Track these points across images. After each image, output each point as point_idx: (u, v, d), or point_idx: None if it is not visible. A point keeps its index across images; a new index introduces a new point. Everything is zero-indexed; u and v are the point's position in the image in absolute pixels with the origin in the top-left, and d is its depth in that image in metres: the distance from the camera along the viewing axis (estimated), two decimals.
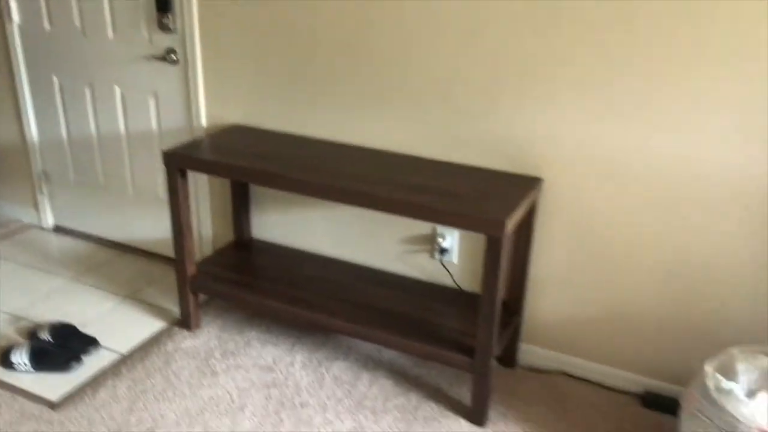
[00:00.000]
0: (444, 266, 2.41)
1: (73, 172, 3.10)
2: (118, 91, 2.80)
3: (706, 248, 1.99)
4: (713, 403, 1.67)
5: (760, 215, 1.89)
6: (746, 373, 1.71)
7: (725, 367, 1.75)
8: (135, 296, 2.72)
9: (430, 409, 2.13)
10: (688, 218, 1.98)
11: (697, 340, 2.10)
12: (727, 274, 1.99)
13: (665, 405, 2.15)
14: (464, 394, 2.21)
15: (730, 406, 1.62)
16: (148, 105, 2.75)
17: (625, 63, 1.91)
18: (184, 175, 2.29)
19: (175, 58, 2.58)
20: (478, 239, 2.32)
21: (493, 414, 2.12)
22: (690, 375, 2.11)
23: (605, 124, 1.99)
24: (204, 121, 2.65)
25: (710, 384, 1.69)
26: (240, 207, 2.66)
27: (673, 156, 1.94)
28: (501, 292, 1.92)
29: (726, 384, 1.66)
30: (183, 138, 2.70)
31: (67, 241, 3.15)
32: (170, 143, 2.74)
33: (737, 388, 1.64)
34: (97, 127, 2.92)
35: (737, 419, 1.61)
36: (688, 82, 1.85)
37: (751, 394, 1.63)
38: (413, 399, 2.18)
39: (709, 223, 1.96)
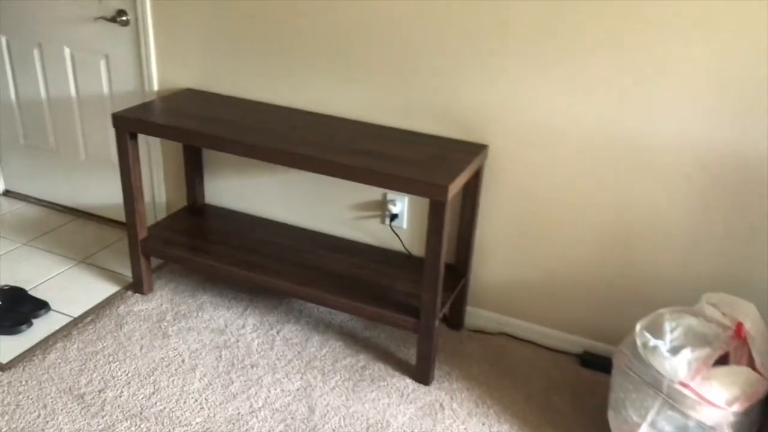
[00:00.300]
0: (394, 231, 2.46)
1: (23, 136, 3.05)
2: (67, 52, 2.76)
3: (642, 214, 2.07)
4: (641, 360, 1.77)
5: (692, 183, 1.98)
6: (672, 331, 1.80)
7: (654, 326, 1.84)
8: (88, 261, 2.72)
9: (378, 369, 2.20)
10: (625, 185, 2.06)
11: (632, 303, 2.20)
12: (661, 239, 2.08)
13: (602, 364, 2.26)
14: (411, 355, 2.28)
15: (655, 362, 1.72)
16: (99, 67, 2.71)
17: (568, 34, 1.95)
18: (134, 138, 2.29)
19: (125, 19, 2.55)
20: (426, 207, 2.37)
21: (438, 373, 2.20)
22: (625, 335, 2.21)
23: (548, 93, 2.04)
24: (156, 85, 2.63)
25: (639, 342, 1.78)
26: (193, 172, 2.66)
27: (612, 124, 2.00)
28: (444, 255, 1.97)
29: (653, 342, 1.75)
30: (135, 101, 2.68)
31: (18, 206, 3.12)
32: (122, 107, 2.72)
33: (662, 345, 1.74)
34: (47, 89, 2.88)
35: (661, 374, 1.71)
36: (628, 53, 1.91)
37: (675, 350, 1.73)
38: (362, 360, 2.24)
39: (645, 189, 2.04)
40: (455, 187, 1.91)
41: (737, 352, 1.73)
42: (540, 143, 2.12)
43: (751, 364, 1.70)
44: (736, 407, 1.63)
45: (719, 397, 1.63)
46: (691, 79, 1.87)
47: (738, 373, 1.66)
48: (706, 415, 1.65)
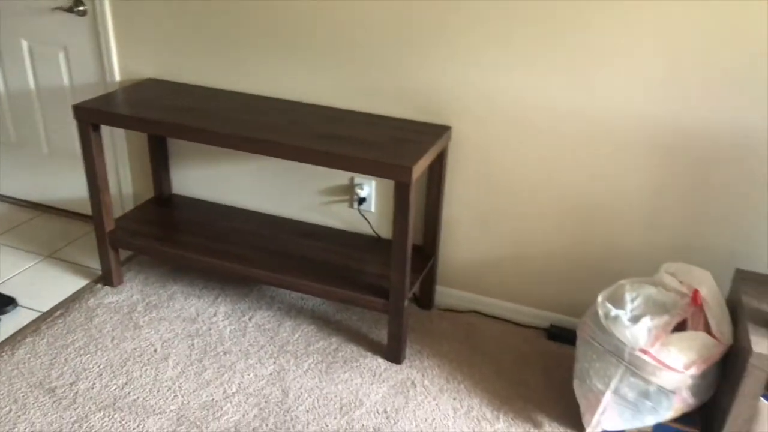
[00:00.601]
0: (362, 215, 2.48)
1: None
2: (25, 44, 2.71)
3: (602, 190, 2.13)
4: (603, 329, 1.82)
5: (650, 159, 2.03)
6: (632, 301, 1.86)
7: (615, 296, 1.90)
8: (55, 256, 2.70)
9: (350, 350, 2.23)
10: (585, 162, 2.11)
11: (595, 276, 2.26)
12: (621, 213, 2.14)
13: (567, 337, 2.32)
14: (383, 336, 2.31)
15: (617, 331, 1.77)
16: (59, 59, 2.68)
17: (528, 16, 1.98)
18: (97, 130, 2.27)
19: (82, 9, 2.52)
20: (393, 189, 2.39)
21: (409, 352, 2.24)
22: (588, 308, 2.27)
23: (509, 73, 2.08)
24: (117, 76, 2.60)
25: (601, 312, 1.84)
26: (159, 163, 2.65)
27: (571, 104, 2.05)
28: (411, 236, 2.01)
29: (614, 312, 1.81)
30: (97, 93, 2.65)
31: None
32: (84, 98, 2.69)
33: (623, 314, 1.80)
34: (6, 83, 2.83)
35: (623, 342, 1.76)
36: (586, 34, 1.95)
37: (635, 319, 1.79)
38: (334, 342, 2.27)
39: (604, 166, 2.09)
40: (419, 169, 1.94)
41: (694, 318, 1.79)
42: (502, 123, 2.16)
43: (707, 329, 1.77)
44: (694, 371, 1.70)
45: (677, 362, 1.70)
46: (646, 59, 1.92)
47: (695, 338, 1.72)
48: (665, 379, 1.72)
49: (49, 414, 1.89)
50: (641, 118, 1.99)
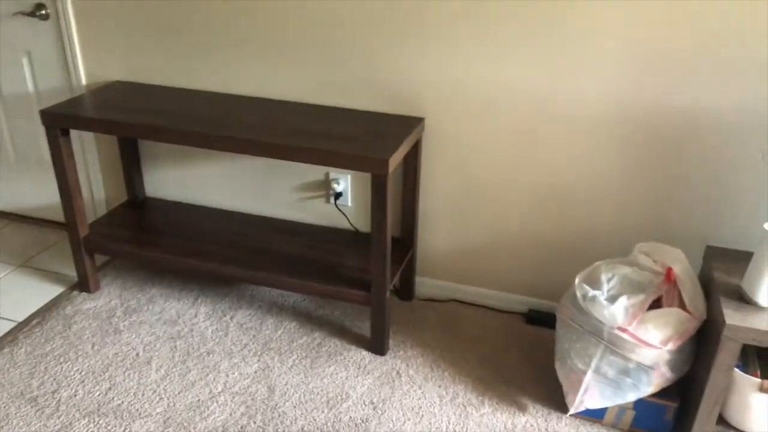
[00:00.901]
0: (339, 209, 2.49)
1: None
2: None
3: (574, 173, 2.17)
4: (581, 310, 1.86)
5: (619, 140, 2.08)
6: (609, 281, 1.90)
7: (592, 278, 1.94)
8: (28, 264, 2.65)
9: (334, 344, 2.24)
10: (556, 146, 2.15)
11: (570, 259, 2.30)
12: (593, 195, 2.18)
13: (546, 320, 2.36)
14: (365, 329, 2.33)
15: (595, 311, 1.81)
16: (22, 64, 2.63)
17: (499, 4, 2.01)
18: (66, 134, 2.24)
19: (45, 13, 2.47)
20: (370, 182, 2.41)
21: (392, 343, 2.26)
22: (566, 291, 2.32)
23: (480, 63, 2.10)
24: (84, 79, 2.57)
25: (579, 294, 1.88)
26: (131, 166, 2.62)
27: (540, 89, 2.08)
28: (390, 227, 2.02)
29: (591, 292, 1.85)
30: (63, 97, 2.61)
31: None
32: (50, 103, 2.63)
33: (600, 295, 1.84)
34: None
35: (601, 322, 1.80)
36: (553, 19, 1.98)
37: (612, 299, 1.83)
38: (317, 337, 2.28)
39: (575, 149, 2.13)
40: (395, 161, 1.95)
41: (669, 296, 1.84)
42: (474, 112, 2.18)
43: (682, 305, 1.82)
44: (671, 346, 1.75)
45: (655, 338, 1.74)
46: (613, 43, 1.96)
47: (670, 314, 1.77)
48: (644, 355, 1.76)
49: (33, 423, 1.87)
50: (610, 103, 2.03)
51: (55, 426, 1.87)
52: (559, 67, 2.03)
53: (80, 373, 2.07)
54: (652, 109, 2.00)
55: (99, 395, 1.98)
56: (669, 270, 1.85)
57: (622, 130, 2.06)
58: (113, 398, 1.97)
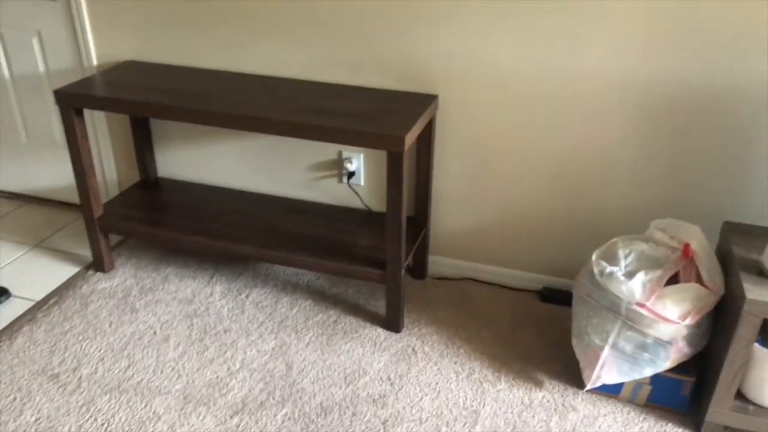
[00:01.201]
0: (352, 189, 2.49)
1: None
2: None
3: (589, 150, 2.16)
4: (599, 286, 1.87)
5: (632, 117, 2.07)
6: (626, 257, 1.90)
7: (608, 254, 1.95)
8: (43, 245, 2.66)
9: (349, 322, 2.26)
10: (570, 124, 2.14)
11: (585, 237, 2.30)
12: (608, 172, 2.18)
13: (561, 298, 2.37)
14: (380, 307, 2.34)
15: (612, 287, 1.82)
16: (32, 45, 2.62)
17: None
18: (79, 114, 2.24)
19: None
20: (382, 163, 2.40)
21: (406, 321, 2.27)
22: (579, 269, 2.32)
23: (494, 39, 2.09)
24: (95, 59, 2.56)
25: (596, 270, 1.88)
26: (143, 146, 2.62)
27: (555, 66, 2.07)
28: (405, 204, 2.02)
29: (609, 268, 1.85)
30: (75, 78, 2.60)
31: None
32: (62, 84, 2.64)
33: (617, 271, 1.84)
34: None
35: (619, 297, 1.81)
36: None
37: (630, 275, 1.83)
38: (332, 315, 2.29)
39: (590, 126, 2.13)
40: (411, 138, 1.95)
41: (686, 271, 1.84)
42: (488, 89, 2.17)
43: (699, 280, 1.82)
44: (689, 321, 1.75)
45: (673, 313, 1.75)
46: (626, 16, 1.94)
47: (688, 289, 1.77)
48: (662, 331, 1.77)
49: (56, 399, 1.89)
50: (625, 77, 2.02)
51: (77, 402, 1.89)
52: (575, 41, 2.02)
53: (99, 350, 2.09)
54: (670, 83, 1.99)
55: (119, 372, 2.00)
56: (686, 245, 1.85)
57: (634, 105, 2.05)
58: (133, 375, 1.99)
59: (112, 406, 1.88)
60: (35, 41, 2.61)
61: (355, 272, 2.16)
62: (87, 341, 2.12)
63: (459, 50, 2.14)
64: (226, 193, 2.60)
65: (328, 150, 2.45)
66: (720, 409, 1.77)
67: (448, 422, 1.87)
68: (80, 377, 1.98)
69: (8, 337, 2.13)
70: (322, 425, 1.84)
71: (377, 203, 2.49)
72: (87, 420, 1.83)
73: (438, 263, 2.53)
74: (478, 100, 2.20)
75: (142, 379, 1.98)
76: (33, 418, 1.83)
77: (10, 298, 2.32)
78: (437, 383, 2.00)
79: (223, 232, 2.32)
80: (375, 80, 2.28)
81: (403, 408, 1.91)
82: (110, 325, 2.20)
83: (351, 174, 2.44)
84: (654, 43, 1.95)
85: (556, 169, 2.23)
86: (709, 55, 1.91)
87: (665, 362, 1.81)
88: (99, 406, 1.87)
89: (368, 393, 1.96)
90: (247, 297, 2.36)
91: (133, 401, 1.90)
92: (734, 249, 1.83)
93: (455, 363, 2.08)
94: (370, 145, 1.93)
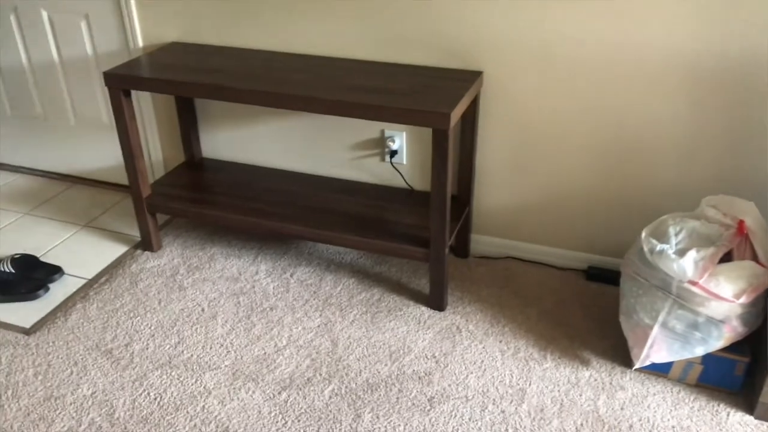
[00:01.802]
0: (395, 167, 2.49)
1: (9, 106, 3.01)
2: (45, 15, 2.70)
3: (638, 127, 2.11)
4: (648, 264, 1.84)
5: (683, 90, 2.01)
6: (676, 235, 1.86)
7: (658, 232, 1.91)
8: (92, 225, 2.73)
9: (393, 300, 2.26)
10: (619, 100, 2.09)
11: (632, 215, 2.26)
12: (658, 149, 2.13)
13: (607, 276, 2.33)
14: (423, 286, 2.34)
15: (663, 265, 1.79)
16: (80, 28, 2.66)
17: None
18: (128, 95, 2.27)
19: None
20: (425, 141, 2.39)
21: (450, 299, 2.27)
22: (629, 247, 2.28)
23: (540, 13, 2.05)
24: (141, 41, 2.59)
25: (646, 248, 1.85)
26: (188, 127, 2.66)
27: (603, 41, 2.02)
28: (450, 182, 2.01)
29: (659, 246, 1.81)
30: (121, 60, 2.65)
31: (12, 178, 3.10)
32: (108, 67, 2.68)
33: (668, 248, 1.80)
34: (28, 55, 2.83)
35: (670, 275, 1.78)
36: None
37: (681, 253, 1.80)
38: (376, 293, 2.30)
39: (639, 102, 2.08)
40: (456, 115, 1.93)
41: (740, 248, 1.80)
42: (534, 65, 2.13)
43: (755, 258, 1.77)
44: (744, 299, 1.71)
45: (727, 291, 1.71)
46: None
47: (743, 267, 1.73)
48: (715, 309, 1.73)
49: (110, 374, 1.95)
50: (675, 49, 1.96)
51: (130, 377, 1.94)
52: (624, 13, 1.97)
53: (150, 327, 2.14)
54: (721, 53, 1.93)
55: (169, 348, 2.05)
56: (741, 222, 1.81)
57: (685, 79, 1.99)
58: (183, 351, 2.04)
59: (163, 381, 1.92)
60: (83, 24, 2.66)
61: (399, 251, 2.17)
62: (137, 318, 2.18)
63: (505, 25, 2.10)
64: (269, 173, 2.62)
65: (370, 129, 2.45)
66: None
67: (494, 400, 1.87)
68: (132, 353, 2.03)
69: (63, 314, 2.20)
70: (368, 401, 1.86)
71: (420, 182, 2.48)
72: (140, 394, 1.88)
73: (480, 242, 2.51)
74: (523, 77, 2.16)
75: (192, 355, 2.02)
76: (90, 392, 1.89)
77: (64, 276, 2.39)
78: (482, 361, 2.00)
79: (268, 211, 2.35)
80: (419, 57, 2.26)
81: (449, 385, 1.91)
82: (159, 302, 2.25)
83: (393, 153, 2.44)
84: (709, 11, 1.89)
85: (602, 145, 2.18)
86: (765, 24, 1.84)
87: (718, 341, 1.78)
88: (151, 381, 1.92)
89: (414, 370, 1.97)
90: (291, 275, 2.39)
91: (183, 376, 1.94)
92: None
93: (500, 341, 2.08)
94: (415, 122, 1.92)
